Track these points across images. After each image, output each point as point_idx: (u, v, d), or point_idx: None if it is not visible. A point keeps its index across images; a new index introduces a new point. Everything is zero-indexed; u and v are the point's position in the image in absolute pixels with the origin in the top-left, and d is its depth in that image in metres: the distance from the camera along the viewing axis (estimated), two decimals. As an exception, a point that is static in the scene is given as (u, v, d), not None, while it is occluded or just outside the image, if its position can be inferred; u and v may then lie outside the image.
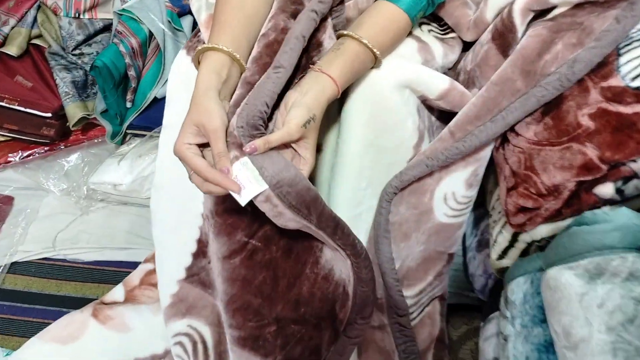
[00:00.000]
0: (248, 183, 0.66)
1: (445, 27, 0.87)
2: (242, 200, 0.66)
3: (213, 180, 0.65)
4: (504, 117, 0.73)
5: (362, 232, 0.82)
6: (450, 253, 0.86)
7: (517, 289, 0.70)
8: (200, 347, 0.88)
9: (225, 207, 0.75)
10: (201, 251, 0.85)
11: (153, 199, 0.88)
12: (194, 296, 0.88)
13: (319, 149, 0.81)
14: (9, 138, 1.25)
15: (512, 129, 0.74)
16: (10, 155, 1.25)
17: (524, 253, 0.75)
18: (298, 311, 0.79)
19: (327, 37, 0.77)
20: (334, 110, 0.80)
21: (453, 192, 0.80)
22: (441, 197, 0.80)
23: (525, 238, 0.74)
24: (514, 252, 0.75)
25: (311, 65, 0.73)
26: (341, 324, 0.81)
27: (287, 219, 0.69)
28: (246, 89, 0.71)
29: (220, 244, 0.76)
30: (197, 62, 0.73)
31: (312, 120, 0.68)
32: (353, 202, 0.80)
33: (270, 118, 0.71)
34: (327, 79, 0.70)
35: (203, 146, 0.69)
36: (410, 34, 0.81)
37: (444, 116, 0.84)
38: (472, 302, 1.02)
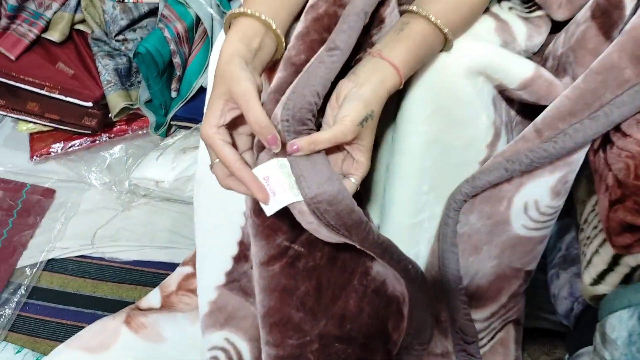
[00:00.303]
0: (280, 189, 0.56)
1: (530, 4, 0.73)
2: (269, 210, 0.56)
3: (240, 176, 0.56)
4: (607, 114, 0.59)
5: (423, 243, 0.72)
6: (528, 270, 0.74)
7: (619, 326, 0.57)
8: None
9: None
10: (243, 254, 0.76)
11: (195, 195, 0.80)
12: (234, 305, 0.80)
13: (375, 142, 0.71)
14: (51, 128, 1.20)
15: (617, 128, 0.60)
16: (52, 146, 1.20)
17: (627, 279, 0.61)
18: (343, 328, 0.69)
19: (391, 13, 0.65)
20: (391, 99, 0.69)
21: (535, 200, 0.67)
22: (521, 206, 0.68)
23: (629, 261, 0.60)
24: (614, 278, 0.62)
25: (369, 49, 0.62)
26: (395, 347, 0.71)
27: (324, 236, 0.59)
28: (290, 72, 0.60)
29: (258, 248, 0.66)
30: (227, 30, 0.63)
31: (370, 117, 0.57)
32: (413, 209, 0.70)
33: (320, 110, 0.60)
34: (389, 67, 0.58)
35: (235, 128, 0.61)
36: (487, 10, 0.69)
37: (527, 110, 0.72)
38: (553, 327, 0.88)
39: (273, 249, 0.66)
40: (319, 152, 0.57)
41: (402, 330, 0.72)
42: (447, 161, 0.68)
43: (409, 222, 0.70)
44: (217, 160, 0.59)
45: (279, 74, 0.61)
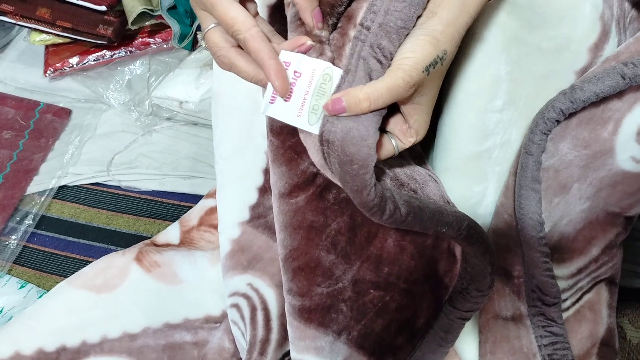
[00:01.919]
0: (299, 101, 0.41)
1: None
2: (267, 109, 0.42)
3: (254, 49, 0.41)
4: None
5: (491, 178, 0.56)
6: (629, 216, 0.58)
7: None
8: (260, 315, 0.66)
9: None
10: (270, 185, 0.62)
11: (212, 111, 0.66)
12: (259, 245, 0.66)
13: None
14: (67, 40, 1.06)
15: None
16: (68, 60, 1.06)
17: None
18: (380, 271, 0.55)
19: None
20: None
21: None
22: (632, 131, 0.50)
23: None
24: None
25: None
26: (446, 291, 0.57)
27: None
28: None
29: (278, 175, 0.51)
30: None
31: (440, 61, 0.41)
32: (480, 131, 0.54)
33: None
34: None
35: None
36: None
37: None
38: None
39: (296, 176, 0.52)
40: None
41: (455, 273, 0.57)
42: (530, 69, 0.51)
43: (473, 150, 0.54)
44: (214, 24, 0.43)
45: None
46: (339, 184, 0.44)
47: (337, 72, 0.42)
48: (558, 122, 0.51)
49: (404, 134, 0.45)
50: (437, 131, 0.58)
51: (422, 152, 0.59)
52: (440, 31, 0.40)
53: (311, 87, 0.41)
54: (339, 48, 0.44)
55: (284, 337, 0.67)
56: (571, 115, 0.50)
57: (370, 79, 0.40)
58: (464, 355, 0.64)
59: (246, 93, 0.62)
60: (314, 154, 0.45)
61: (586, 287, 0.61)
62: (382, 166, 0.49)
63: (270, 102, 0.41)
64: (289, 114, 0.41)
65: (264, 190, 0.65)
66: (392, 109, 0.44)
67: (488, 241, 0.52)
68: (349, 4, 0.46)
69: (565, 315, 0.61)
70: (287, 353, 0.68)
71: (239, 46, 0.45)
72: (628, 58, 0.47)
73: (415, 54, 0.40)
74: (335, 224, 0.53)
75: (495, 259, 0.53)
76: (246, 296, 0.67)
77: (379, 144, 0.43)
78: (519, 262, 0.58)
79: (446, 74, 0.49)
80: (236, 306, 0.68)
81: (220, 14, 0.42)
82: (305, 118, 0.41)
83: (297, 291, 0.55)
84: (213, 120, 0.67)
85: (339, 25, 0.45)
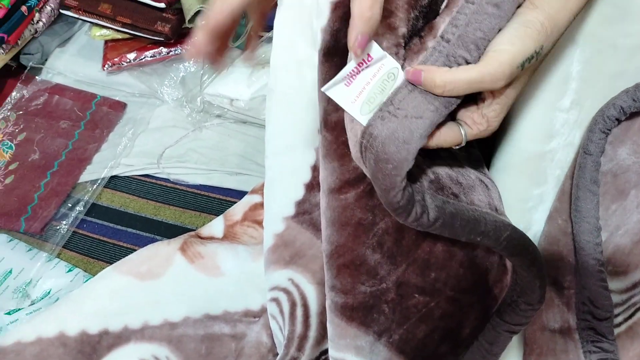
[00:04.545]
0: (358, 88, 0.41)
1: None
2: (328, 88, 0.42)
3: None
4: None
5: (551, 183, 0.54)
6: None
7: None
8: (299, 311, 0.66)
9: (340, 117, 0.49)
10: (317, 182, 0.61)
11: (267, 107, 0.66)
12: (302, 241, 0.66)
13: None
14: (125, 36, 1.09)
15: None
16: (126, 55, 1.09)
17: None
18: (426, 276, 0.53)
19: None
20: None
21: None
22: None
23: None
24: None
25: None
26: (495, 302, 0.55)
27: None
28: None
29: (329, 171, 0.51)
30: None
31: (536, 55, 0.40)
32: (545, 131, 0.51)
33: None
34: None
35: None
36: None
37: None
38: None
39: (348, 172, 0.51)
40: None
41: (505, 284, 0.55)
42: (601, 68, 0.49)
43: (536, 150, 0.52)
44: None
45: None
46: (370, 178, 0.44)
47: (401, 76, 0.42)
48: (618, 120, 0.48)
49: (474, 121, 0.44)
50: (500, 128, 0.57)
51: (481, 156, 0.58)
52: (541, 24, 0.39)
53: (373, 80, 0.41)
54: (413, 54, 0.44)
55: (322, 335, 0.66)
56: (634, 117, 0.48)
57: None
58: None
59: (299, 89, 0.62)
60: (352, 145, 0.45)
61: (641, 303, 0.58)
62: (425, 166, 0.48)
63: (337, 83, 0.41)
64: (345, 97, 0.41)
65: (311, 186, 0.65)
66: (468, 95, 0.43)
67: (535, 253, 0.50)
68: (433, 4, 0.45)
69: (616, 331, 0.58)
70: (324, 352, 0.67)
71: None
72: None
73: (513, 47, 0.39)
74: (383, 223, 0.52)
75: (545, 273, 0.51)
76: (287, 291, 0.67)
77: (437, 132, 0.43)
78: (570, 271, 0.55)
79: None
80: (276, 300, 0.68)
81: None
82: (358, 106, 0.41)
83: (340, 288, 0.54)
84: (267, 115, 0.67)
85: (422, 33, 0.45)
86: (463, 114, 0.44)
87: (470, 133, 0.44)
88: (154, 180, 0.98)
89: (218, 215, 0.87)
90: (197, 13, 0.99)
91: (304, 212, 0.66)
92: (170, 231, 0.91)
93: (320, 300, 0.66)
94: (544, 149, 0.52)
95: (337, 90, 0.41)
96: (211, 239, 0.82)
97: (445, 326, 0.56)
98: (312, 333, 0.66)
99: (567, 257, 0.54)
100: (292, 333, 0.66)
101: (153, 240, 0.89)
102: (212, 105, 1.04)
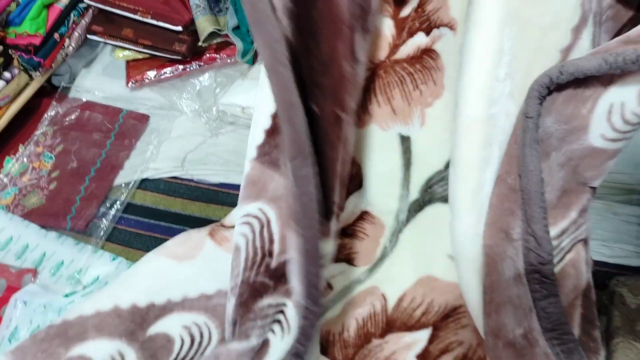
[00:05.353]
0: None
1: None
2: None
3: None
4: None
5: (495, 147, 0.63)
6: (593, 187, 0.65)
7: None
8: (266, 230, 0.76)
9: None
10: (276, 127, 0.72)
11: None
12: (265, 178, 0.76)
13: (451, 26, 0.63)
14: (145, 55, 1.24)
15: None
16: (147, 73, 1.24)
17: None
18: None
19: None
20: None
21: (622, 103, 0.58)
22: (605, 109, 0.58)
23: None
24: None
25: None
26: None
27: None
28: None
29: None
30: None
31: None
32: (488, 97, 0.60)
33: None
34: None
35: None
36: None
37: (621, 10, 0.62)
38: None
39: None
40: None
41: None
42: (525, 44, 0.59)
43: (483, 114, 0.61)
44: None
45: None
46: None
47: None
48: (549, 89, 0.58)
49: None
50: (457, 96, 0.64)
51: None
52: None
53: None
54: None
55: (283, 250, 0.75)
56: (560, 90, 0.58)
57: None
58: (472, 312, 0.74)
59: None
60: None
61: (567, 247, 0.67)
62: None
63: None
64: None
65: (271, 132, 0.73)
66: None
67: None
68: None
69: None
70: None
71: None
72: (609, 49, 0.55)
73: None
74: None
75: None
76: (257, 217, 0.76)
77: None
78: (518, 224, 0.64)
79: (460, 42, 0.59)
80: (248, 223, 0.76)
81: None
82: None
83: None
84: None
85: None
86: None
87: None
88: (180, 181, 1.13)
89: (237, 207, 1.01)
90: (210, 34, 1.14)
91: (264, 154, 0.75)
92: (197, 223, 1.04)
93: (280, 222, 0.75)
94: (489, 112, 0.61)
95: None
96: (233, 227, 0.96)
97: None
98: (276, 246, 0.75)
99: (516, 211, 0.64)
100: (262, 243, 0.76)
101: (183, 231, 1.03)
102: (226, 114, 1.19)
